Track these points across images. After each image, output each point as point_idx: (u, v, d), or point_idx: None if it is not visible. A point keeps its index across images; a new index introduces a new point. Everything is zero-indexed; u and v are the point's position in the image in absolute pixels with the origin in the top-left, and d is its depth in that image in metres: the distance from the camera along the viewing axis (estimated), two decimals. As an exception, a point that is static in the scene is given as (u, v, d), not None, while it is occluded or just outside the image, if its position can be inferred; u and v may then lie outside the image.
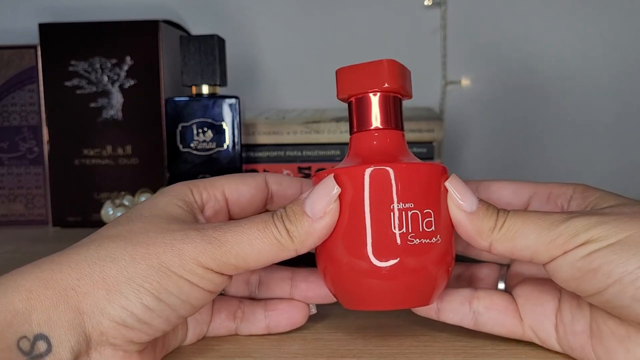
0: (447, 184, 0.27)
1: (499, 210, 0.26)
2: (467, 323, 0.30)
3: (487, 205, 0.27)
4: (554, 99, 0.69)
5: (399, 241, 0.26)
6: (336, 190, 0.26)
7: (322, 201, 0.26)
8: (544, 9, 0.68)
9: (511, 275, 0.32)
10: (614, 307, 0.24)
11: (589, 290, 0.24)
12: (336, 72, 0.30)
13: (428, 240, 0.26)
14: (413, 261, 0.26)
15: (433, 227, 0.26)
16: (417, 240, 0.26)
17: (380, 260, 0.26)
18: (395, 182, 0.26)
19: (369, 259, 0.26)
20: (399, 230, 0.26)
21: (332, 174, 0.27)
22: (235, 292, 0.33)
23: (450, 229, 0.27)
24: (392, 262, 0.26)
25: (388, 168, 0.26)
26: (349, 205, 0.27)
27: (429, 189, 0.27)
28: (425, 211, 0.26)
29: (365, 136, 0.29)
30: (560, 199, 0.30)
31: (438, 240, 0.27)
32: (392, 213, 0.26)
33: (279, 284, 0.32)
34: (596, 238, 0.24)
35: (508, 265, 0.32)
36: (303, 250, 0.27)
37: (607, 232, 0.24)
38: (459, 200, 0.27)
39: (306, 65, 0.71)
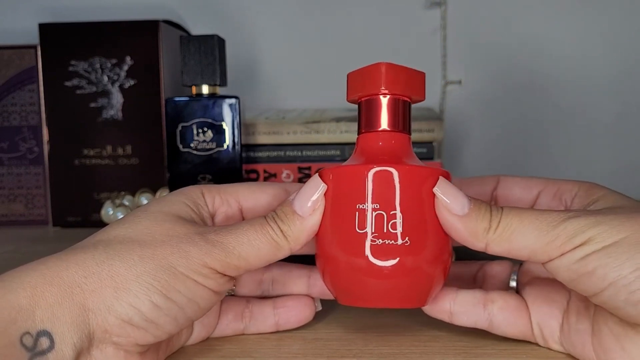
0: (435, 189, 0.27)
1: (492, 210, 0.26)
2: (482, 325, 0.30)
3: (479, 205, 0.26)
4: (554, 98, 0.69)
5: (389, 242, 0.26)
6: (322, 187, 0.28)
7: (311, 199, 0.27)
8: (544, 8, 0.68)
9: (523, 273, 0.32)
10: (611, 308, 0.24)
11: (586, 291, 0.25)
12: (347, 75, 0.30)
13: (413, 242, 0.26)
14: (407, 262, 0.26)
15: (420, 230, 0.27)
16: (388, 241, 0.26)
17: (374, 260, 0.26)
18: (396, 183, 0.27)
19: (362, 257, 0.27)
20: (393, 230, 0.26)
21: (317, 173, 0.28)
22: (247, 292, 0.33)
23: (442, 231, 0.27)
24: (387, 262, 0.26)
25: (390, 168, 0.27)
26: (339, 203, 0.27)
27: (422, 191, 0.27)
28: (417, 213, 0.27)
29: (371, 137, 0.29)
30: (565, 196, 0.30)
31: (425, 242, 0.27)
32: (381, 213, 0.26)
33: (296, 282, 0.33)
34: (592, 240, 0.24)
35: (521, 263, 0.32)
36: (297, 247, 0.28)
37: (603, 234, 0.24)
38: (449, 204, 0.26)
39: (306, 65, 0.71)
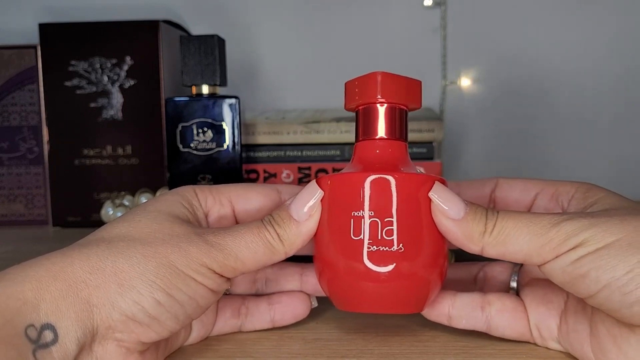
0: (431, 194, 0.27)
1: (487, 213, 0.26)
2: (480, 327, 0.30)
3: (475, 208, 0.26)
4: (553, 99, 0.69)
5: (383, 248, 0.27)
6: (319, 193, 0.28)
7: (307, 205, 0.28)
8: (543, 9, 0.68)
9: (523, 273, 0.32)
10: (606, 309, 0.24)
11: (581, 293, 0.25)
12: (345, 84, 0.31)
13: (407, 248, 0.27)
14: (403, 268, 0.27)
15: (415, 236, 0.27)
16: (383, 247, 0.26)
17: (370, 266, 0.27)
18: (392, 190, 0.27)
19: (358, 263, 0.27)
20: (388, 237, 0.26)
21: (314, 180, 0.29)
22: (242, 291, 0.33)
23: (438, 237, 0.27)
24: (382, 268, 0.27)
25: (386, 176, 0.27)
26: (336, 209, 0.28)
27: (418, 198, 0.27)
28: (412, 219, 0.27)
29: (369, 145, 0.30)
30: (562, 198, 0.30)
31: (420, 248, 0.27)
32: (375, 220, 0.27)
33: (289, 279, 0.33)
34: (585, 242, 0.24)
35: (521, 264, 0.32)
36: (292, 251, 0.28)
37: (597, 236, 0.24)
38: (445, 208, 0.26)
39: (306, 65, 0.71)
